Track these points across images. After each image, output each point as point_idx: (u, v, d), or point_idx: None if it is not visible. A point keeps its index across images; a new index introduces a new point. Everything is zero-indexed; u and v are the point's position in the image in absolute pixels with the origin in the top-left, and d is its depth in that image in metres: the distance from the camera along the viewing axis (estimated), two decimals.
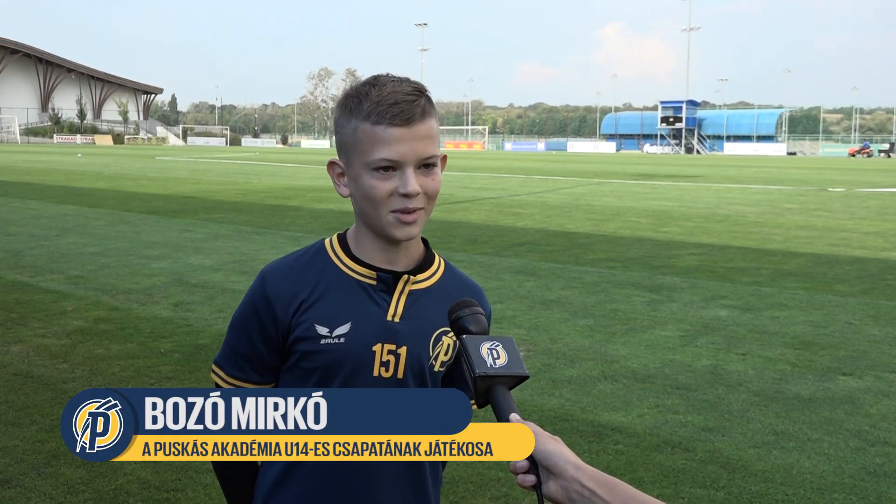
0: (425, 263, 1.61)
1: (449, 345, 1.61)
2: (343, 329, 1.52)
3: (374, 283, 1.55)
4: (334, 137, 1.58)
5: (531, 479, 1.20)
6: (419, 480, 1.59)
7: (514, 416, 1.24)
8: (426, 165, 1.49)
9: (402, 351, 1.54)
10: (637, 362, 6.27)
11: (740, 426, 4.93)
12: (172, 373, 5.86)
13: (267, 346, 1.56)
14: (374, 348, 1.53)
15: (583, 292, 8.94)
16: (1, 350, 6.43)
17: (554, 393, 5.50)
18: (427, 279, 1.60)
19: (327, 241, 1.61)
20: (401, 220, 1.49)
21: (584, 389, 5.59)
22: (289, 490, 1.55)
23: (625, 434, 4.77)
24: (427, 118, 1.47)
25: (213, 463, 1.62)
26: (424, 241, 1.63)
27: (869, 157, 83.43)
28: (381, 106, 1.44)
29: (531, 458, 1.20)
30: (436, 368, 1.60)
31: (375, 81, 1.49)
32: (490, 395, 1.29)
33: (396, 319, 1.55)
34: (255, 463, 1.62)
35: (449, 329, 1.58)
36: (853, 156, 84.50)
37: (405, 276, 1.56)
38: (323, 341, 1.52)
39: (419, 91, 1.48)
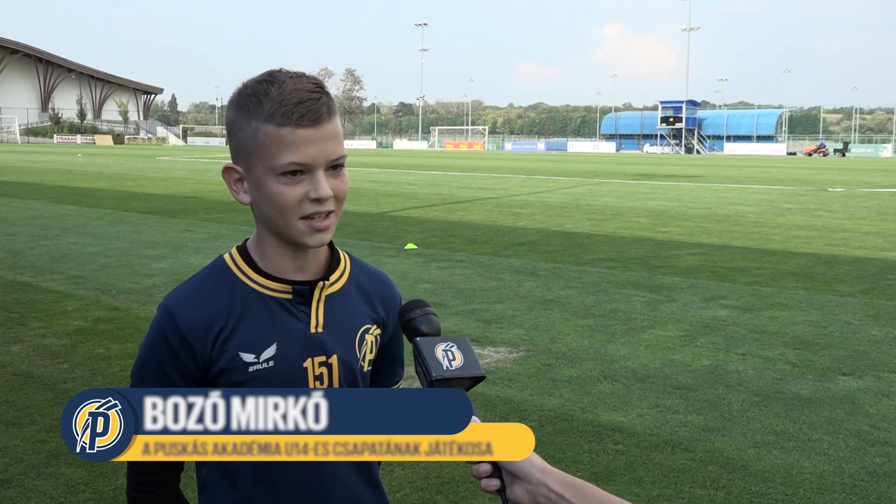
0: (334, 264, 1.53)
1: (371, 341, 1.55)
2: (270, 352, 1.44)
3: (290, 297, 1.47)
4: (228, 141, 1.46)
5: (495, 483, 1.17)
6: (370, 474, 1.56)
7: (473, 418, 1.21)
8: (335, 167, 1.40)
9: (334, 360, 1.48)
10: (637, 362, 6.27)
11: (740, 426, 4.93)
12: None
13: (186, 382, 1.46)
14: (305, 365, 1.46)
15: (583, 292, 8.94)
16: (1, 350, 6.43)
17: (554, 393, 5.49)
18: (338, 280, 1.53)
19: (228, 258, 1.51)
20: (313, 228, 1.39)
21: (584, 389, 5.59)
22: None
23: (625, 434, 4.77)
24: (333, 117, 1.39)
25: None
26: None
27: (825, 155, 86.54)
28: (286, 106, 1.34)
29: (494, 463, 1.17)
30: (365, 369, 1.54)
31: (273, 79, 1.38)
32: None
33: (320, 330, 1.48)
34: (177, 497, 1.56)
35: (370, 326, 1.54)
36: (810, 155, 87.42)
37: (320, 284, 1.48)
38: (251, 368, 1.43)
39: (321, 88, 1.39)
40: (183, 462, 1.53)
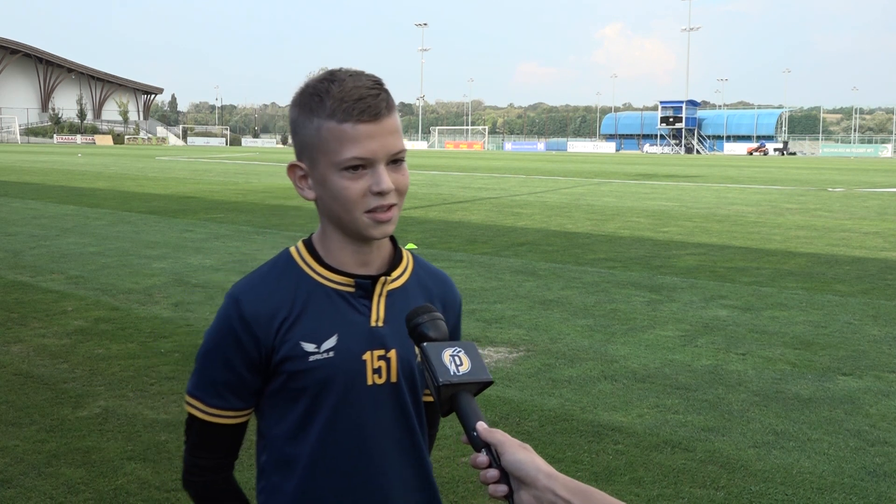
0: (396, 261, 1.56)
1: None
2: (330, 343, 1.47)
3: (352, 290, 1.50)
4: (292, 139, 1.50)
5: (503, 489, 1.17)
6: (424, 471, 1.58)
7: (480, 424, 1.22)
8: (395, 161, 1.43)
9: (392, 354, 1.50)
10: (637, 362, 6.26)
11: (740, 426, 4.93)
12: (172, 373, 5.86)
13: (249, 370, 1.49)
14: (364, 357, 1.49)
15: (583, 292, 8.94)
16: (1, 350, 6.43)
17: (554, 393, 5.49)
18: (400, 276, 1.56)
19: (294, 251, 1.54)
20: (376, 220, 1.43)
21: (584, 389, 5.59)
22: None
23: (625, 434, 4.77)
24: (392, 112, 1.43)
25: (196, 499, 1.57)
26: (391, 237, 1.56)
27: (765, 154, 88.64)
28: (346, 102, 1.38)
29: (501, 468, 1.18)
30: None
31: (333, 77, 1.42)
32: (455, 402, 1.26)
33: (380, 324, 1.50)
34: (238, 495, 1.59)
35: None
36: (751, 154, 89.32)
37: (382, 279, 1.51)
38: (312, 358, 1.46)
39: (379, 84, 1.43)
40: (238, 449, 1.56)
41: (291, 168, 1.50)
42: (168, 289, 8.87)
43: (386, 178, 1.40)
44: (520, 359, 6.31)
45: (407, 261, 1.59)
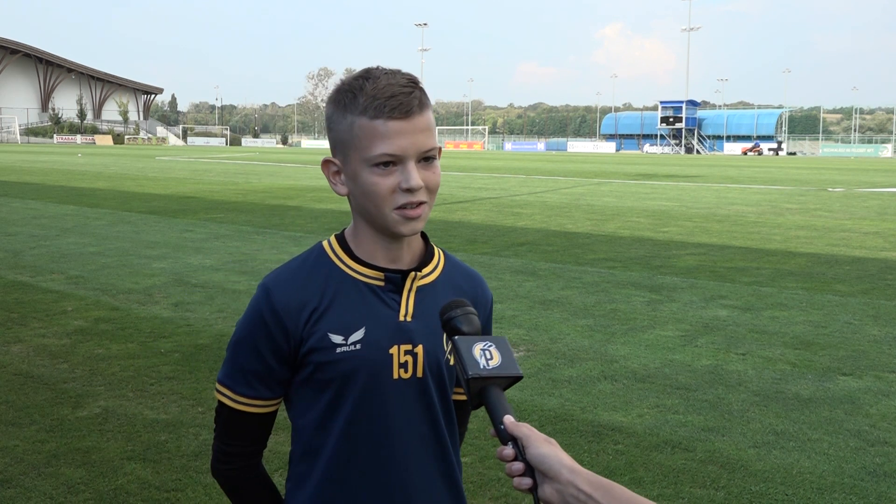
0: (427, 258, 1.58)
1: None
2: (358, 335, 1.48)
3: (381, 284, 1.51)
4: (328, 135, 1.54)
5: (527, 482, 1.19)
6: (448, 468, 1.58)
7: (508, 417, 1.24)
8: (426, 158, 1.44)
9: (419, 350, 1.51)
10: (637, 362, 6.26)
11: (740, 426, 4.93)
12: (172, 373, 5.86)
13: (278, 360, 1.51)
14: (391, 351, 1.50)
15: (583, 292, 8.94)
16: (1, 350, 6.43)
17: (554, 393, 5.49)
18: (431, 273, 1.57)
19: (326, 244, 1.56)
20: (406, 217, 1.44)
21: (584, 389, 5.59)
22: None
23: (625, 434, 4.77)
24: (425, 110, 1.44)
25: (231, 496, 1.60)
26: (423, 234, 1.59)
27: (759, 154, 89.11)
28: (378, 99, 1.40)
29: (526, 462, 1.20)
30: (451, 362, 1.57)
31: (368, 75, 1.44)
32: (483, 396, 1.27)
33: (409, 319, 1.51)
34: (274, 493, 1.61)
35: None
36: (745, 153, 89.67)
37: (412, 274, 1.53)
38: (339, 350, 1.48)
39: (414, 82, 1.44)
40: (266, 438, 1.58)
41: (325, 163, 1.52)
42: (168, 289, 8.87)
43: (415, 175, 1.42)
44: (520, 359, 6.31)
45: (438, 258, 1.61)
